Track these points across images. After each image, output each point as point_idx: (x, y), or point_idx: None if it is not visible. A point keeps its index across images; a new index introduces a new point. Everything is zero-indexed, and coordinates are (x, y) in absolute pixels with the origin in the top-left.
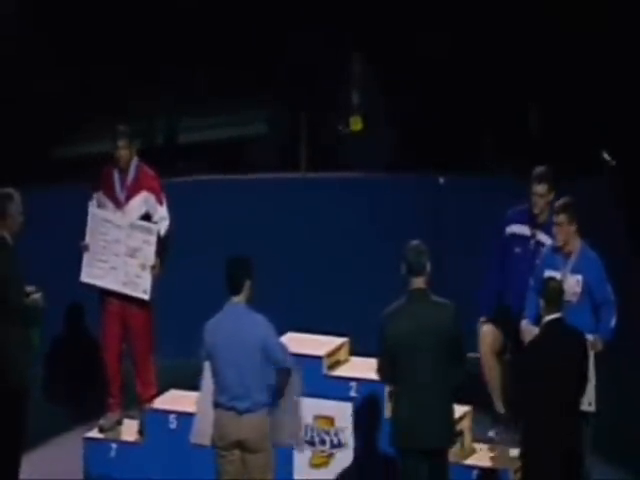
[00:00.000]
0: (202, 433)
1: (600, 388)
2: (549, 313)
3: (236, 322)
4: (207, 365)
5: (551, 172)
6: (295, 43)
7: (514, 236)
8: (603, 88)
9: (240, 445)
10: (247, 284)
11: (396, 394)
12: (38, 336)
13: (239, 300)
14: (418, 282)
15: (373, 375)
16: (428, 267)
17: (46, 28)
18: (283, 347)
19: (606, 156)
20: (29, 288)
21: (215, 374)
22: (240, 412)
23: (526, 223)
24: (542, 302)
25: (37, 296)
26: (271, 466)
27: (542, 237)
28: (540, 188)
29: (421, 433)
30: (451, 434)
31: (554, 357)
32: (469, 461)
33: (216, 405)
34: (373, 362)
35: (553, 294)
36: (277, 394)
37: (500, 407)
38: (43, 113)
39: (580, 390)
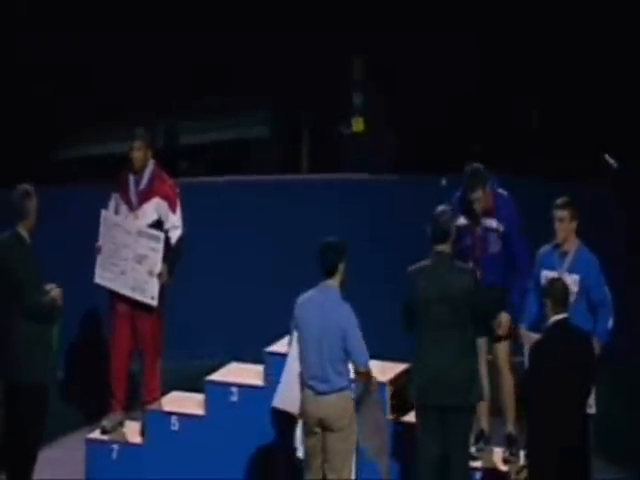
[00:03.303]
0: (283, 399)
1: (600, 389)
2: (555, 313)
3: (323, 306)
4: (295, 335)
5: (482, 172)
6: (295, 45)
7: (461, 228)
8: (605, 89)
9: (321, 423)
10: (340, 268)
11: (416, 350)
12: (58, 334)
13: (332, 283)
14: (442, 247)
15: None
16: (453, 234)
17: (45, 30)
18: (361, 346)
19: (608, 159)
20: (48, 286)
21: (300, 349)
22: (318, 393)
23: (470, 212)
24: (548, 302)
25: (55, 293)
26: (351, 453)
27: (487, 223)
28: (475, 195)
29: (437, 390)
30: (469, 392)
31: (561, 357)
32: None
33: (301, 379)
34: (375, 363)
35: (559, 294)
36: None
37: (485, 424)
38: (44, 114)
39: (587, 390)
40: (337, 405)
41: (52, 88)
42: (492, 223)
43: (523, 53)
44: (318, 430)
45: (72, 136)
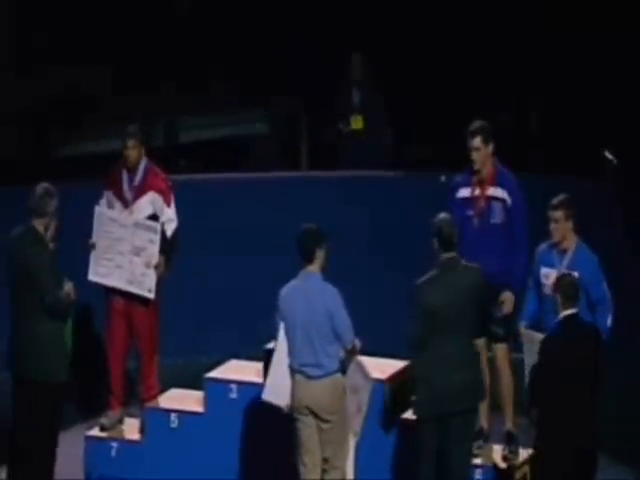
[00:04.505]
0: (273, 391)
1: (599, 388)
2: (565, 309)
3: (307, 290)
4: (282, 326)
5: (486, 126)
6: (296, 43)
7: (464, 200)
8: (605, 87)
9: (313, 410)
10: (319, 253)
11: (427, 360)
12: (71, 328)
13: (312, 269)
14: (451, 254)
15: (374, 374)
16: (457, 239)
17: (45, 27)
18: (348, 325)
19: (608, 155)
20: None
21: (288, 339)
22: (309, 377)
23: (473, 184)
24: (558, 298)
25: (68, 288)
26: (346, 439)
27: (491, 191)
28: (475, 142)
29: (455, 396)
30: (483, 391)
31: (571, 353)
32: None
33: (290, 369)
34: (375, 361)
35: (569, 289)
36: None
37: (484, 421)
38: (44, 112)
39: (597, 386)
40: (329, 389)
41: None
42: (497, 191)
43: (522, 53)
44: (311, 419)
45: (71, 134)
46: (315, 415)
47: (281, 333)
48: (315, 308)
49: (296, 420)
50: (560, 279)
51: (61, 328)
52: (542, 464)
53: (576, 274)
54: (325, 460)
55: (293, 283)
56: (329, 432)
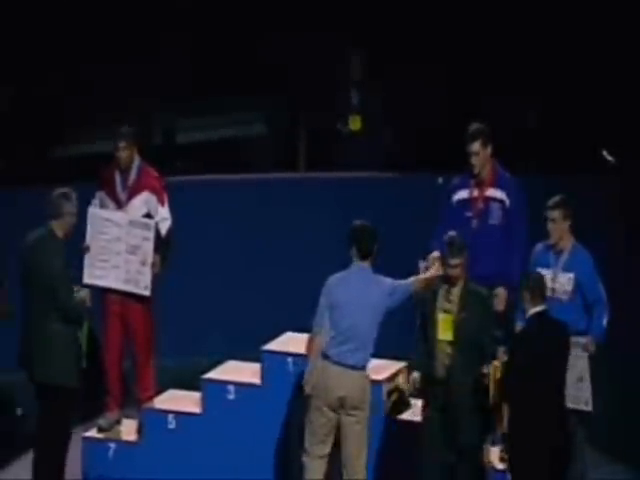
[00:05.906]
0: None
1: (598, 387)
2: (534, 306)
3: (360, 286)
4: (327, 316)
5: (484, 129)
6: (295, 43)
7: (461, 202)
8: (604, 86)
9: (341, 401)
10: (374, 251)
11: None
12: (85, 334)
13: (366, 265)
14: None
15: (373, 375)
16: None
17: (44, 26)
18: (407, 287)
19: (606, 155)
20: (74, 287)
21: (332, 328)
22: (346, 367)
23: (471, 187)
24: (526, 295)
25: (83, 294)
26: (365, 440)
27: (490, 192)
28: (474, 146)
29: None
30: None
31: (540, 351)
32: None
33: (324, 357)
34: (375, 362)
35: (537, 286)
36: None
37: None
38: (42, 112)
39: (564, 380)
40: (359, 382)
41: (52, 87)
42: (496, 193)
43: (521, 53)
44: (334, 414)
45: (70, 135)
46: (342, 407)
47: (326, 322)
48: (367, 300)
49: (316, 410)
50: (527, 277)
51: (73, 332)
52: (516, 462)
53: (571, 275)
54: (343, 464)
55: (345, 275)
56: (352, 426)
